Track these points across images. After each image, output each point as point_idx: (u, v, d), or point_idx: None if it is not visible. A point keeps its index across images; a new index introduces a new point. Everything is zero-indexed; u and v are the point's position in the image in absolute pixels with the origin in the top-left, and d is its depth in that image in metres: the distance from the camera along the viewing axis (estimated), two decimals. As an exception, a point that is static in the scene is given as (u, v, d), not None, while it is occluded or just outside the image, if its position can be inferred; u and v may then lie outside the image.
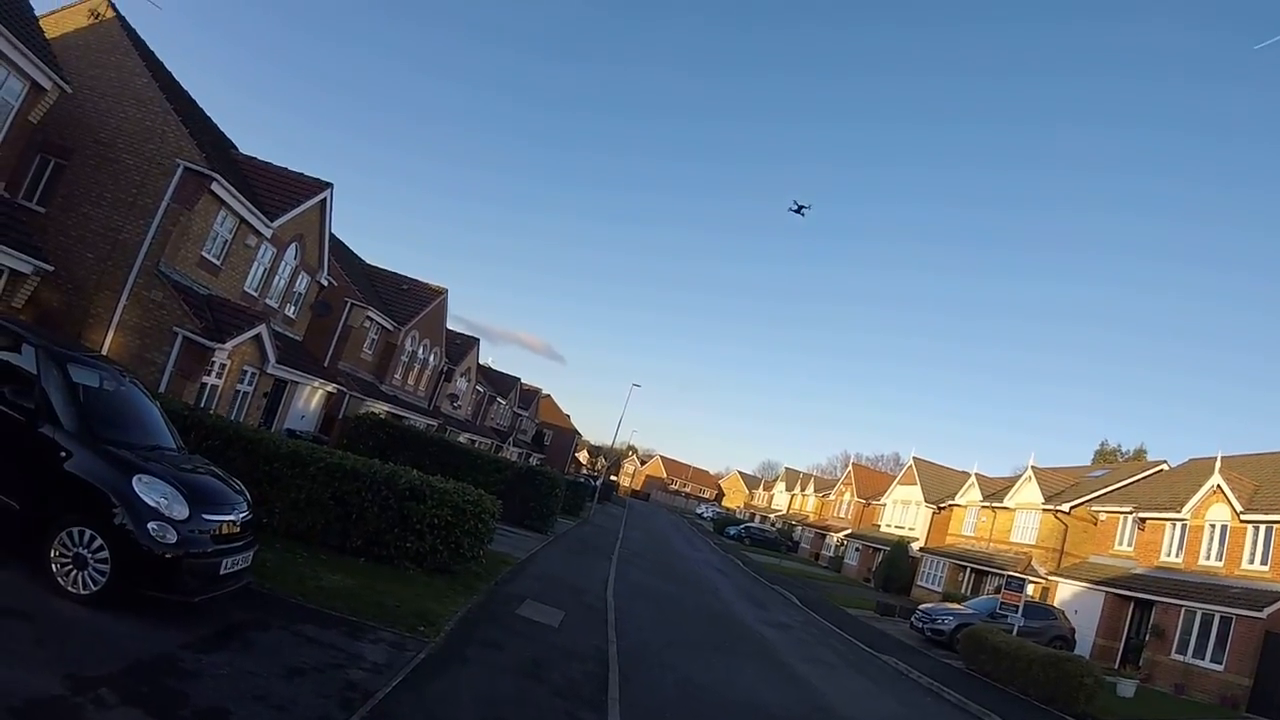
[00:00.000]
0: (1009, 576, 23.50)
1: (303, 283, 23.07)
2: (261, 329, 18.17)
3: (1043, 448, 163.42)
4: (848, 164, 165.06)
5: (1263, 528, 21.53)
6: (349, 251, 31.18)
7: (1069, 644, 23.28)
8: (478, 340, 45.03)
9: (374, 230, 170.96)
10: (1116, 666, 22.80)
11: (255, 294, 20.22)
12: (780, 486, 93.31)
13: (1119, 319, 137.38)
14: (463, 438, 38.48)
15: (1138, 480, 31.37)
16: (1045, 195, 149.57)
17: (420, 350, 34.51)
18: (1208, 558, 23.25)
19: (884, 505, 52.32)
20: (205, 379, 16.89)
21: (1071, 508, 31.47)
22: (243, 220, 18.24)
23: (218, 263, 18.08)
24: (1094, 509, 30.39)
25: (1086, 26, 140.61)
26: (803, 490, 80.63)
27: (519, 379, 63.87)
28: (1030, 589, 26.72)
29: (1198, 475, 25.57)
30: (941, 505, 44.19)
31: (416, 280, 35.11)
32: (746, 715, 9.98)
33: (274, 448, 11.26)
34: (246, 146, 21.79)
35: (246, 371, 19.01)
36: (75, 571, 6.07)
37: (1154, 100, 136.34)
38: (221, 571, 6.75)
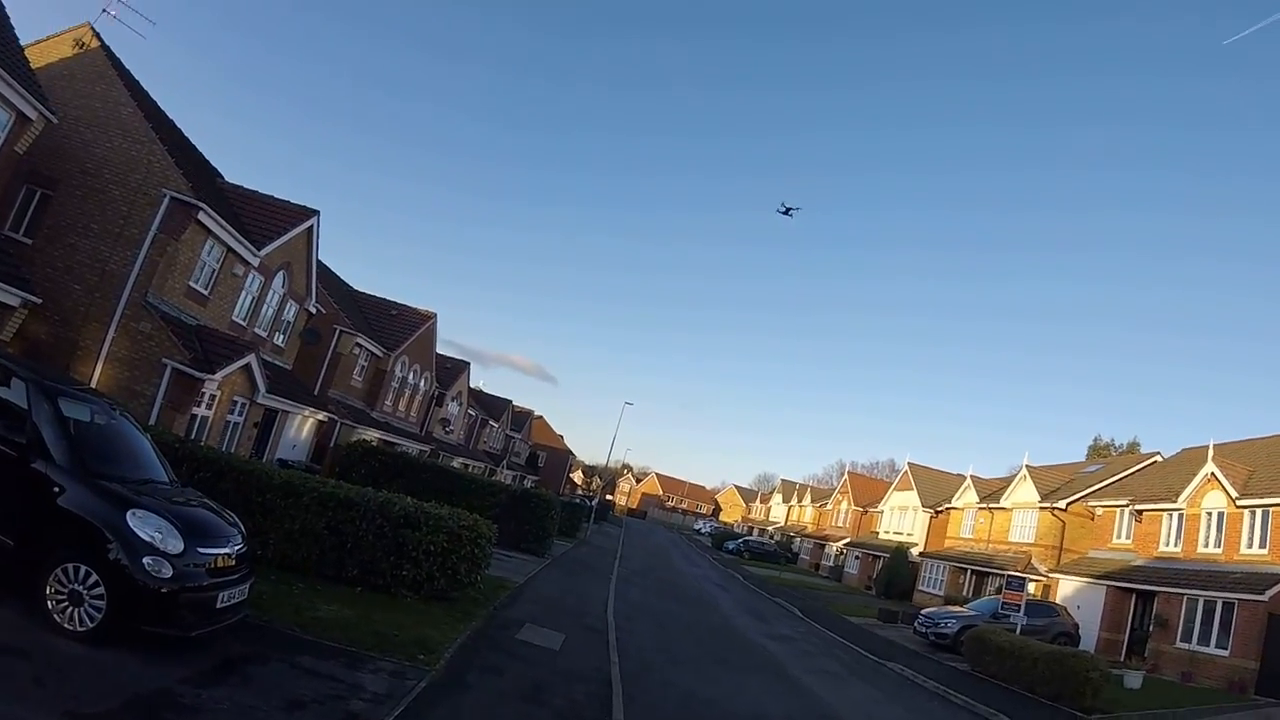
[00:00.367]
0: (1009, 576, 23.50)
1: (291, 311, 22.99)
2: (251, 358, 18.08)
3: (1036, 446, 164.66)
4: (834, 172, 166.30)
5: (1259, 512, 21.63)
6: (336, 278, 31.10)
7: (1073, 640, 23.31)
8: (468, 364, 44.98)
9: (361, 256, 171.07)
10: (1122, 659, 22.84)
11: (244, 323, 20.14)
12: (777, 499, 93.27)
13: (1105, 314, 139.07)
14: (456, 462, 38.27)
15: (1132, 473, 31.56)
16: (1027, 195, 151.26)
17: (410, 375, 34.38)
18: (1206, 545, 23.35)
19: (881, 512, 52.32)
20: (195, 410, 16.76)
21: (1068, 504, 31.56)
22: (230, 249, 18.20)
23: (205, 292, 18.01)
24: (1090, 504, 30.49)
25: (1042, 28, 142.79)
26: (800, 501, 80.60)
27: (511, 401, 63.75)
28: (1031, 587, 26.73)
29: (1191, 464, 25.68)
30: (939, 509, 44.24)
31: (405, 305, 35.01)
32: (754, 728, 9.90)
33: (266, 478, 11.18)
34: (232, 174, 21.73)
35: (237, 402, 18.89)
36: (71, 608, 6.00)
37: (1129, 94, 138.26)
38: (218, 605, 6.69)
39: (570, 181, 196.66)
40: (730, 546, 63.88)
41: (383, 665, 7.80)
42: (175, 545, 6.33)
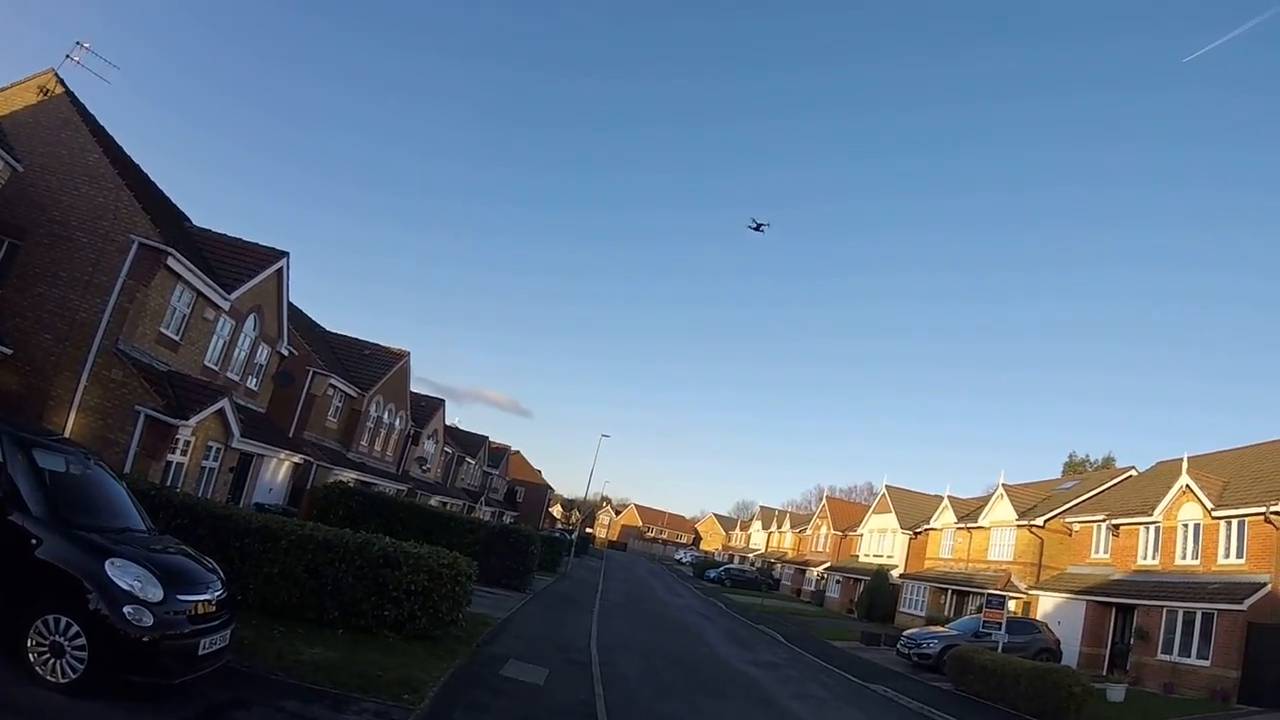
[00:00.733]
0: (990, 595, 23.66)
1: (263, 354, 22.85)
2: (224, 403, 17.94)
3: (1012, 464, 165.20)
4: (806, 199, 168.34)
5: (1235, 522, 21.90)
6: (308, 320, 30.98)
7: (1055, 655, 23.49)
8: (443, 401, 44.75)
9: (332, 298, 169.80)
10: (1104, 673, 23.04)
11: (216, 368, 19.98)
12: (757, 525, 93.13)
13: (1076, 330, 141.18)
14: (434, 500, 37.95)
15: (1108, 488, 32.01)
16: (997, 215, 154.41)
17: (385, 415, 34.17)
18: (1184, 557, 23.62)
19: (861, 535, 52.53)
20: (170, 457, 16.56)
21: (1045, 521, 31.95)
22: (200, 294, 18.12)
23: (177, 338, 17.89)
24: (1067, 520, 30.88)
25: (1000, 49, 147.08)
26: (779, 527, 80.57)
27: (487, 437, 63.36)
28: (1012, 605, 26.92)
29: (1166, 477, 26.09)
30: (917, 530, 44.58)
31: (377, 345, 34.96)
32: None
33: (243, 523, 11.14)
34: (200, 219, 21.71)
35: (211, 447, 18.68)
36: (53, 660, 5.95)
37: (1101, 112, 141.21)
38: (200, 651, 6.64)
39: (543, 217, 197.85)
40: (711, 575, 63.65)
41: (367, 706, 7.76)
42: (155, 593, 6.30)
